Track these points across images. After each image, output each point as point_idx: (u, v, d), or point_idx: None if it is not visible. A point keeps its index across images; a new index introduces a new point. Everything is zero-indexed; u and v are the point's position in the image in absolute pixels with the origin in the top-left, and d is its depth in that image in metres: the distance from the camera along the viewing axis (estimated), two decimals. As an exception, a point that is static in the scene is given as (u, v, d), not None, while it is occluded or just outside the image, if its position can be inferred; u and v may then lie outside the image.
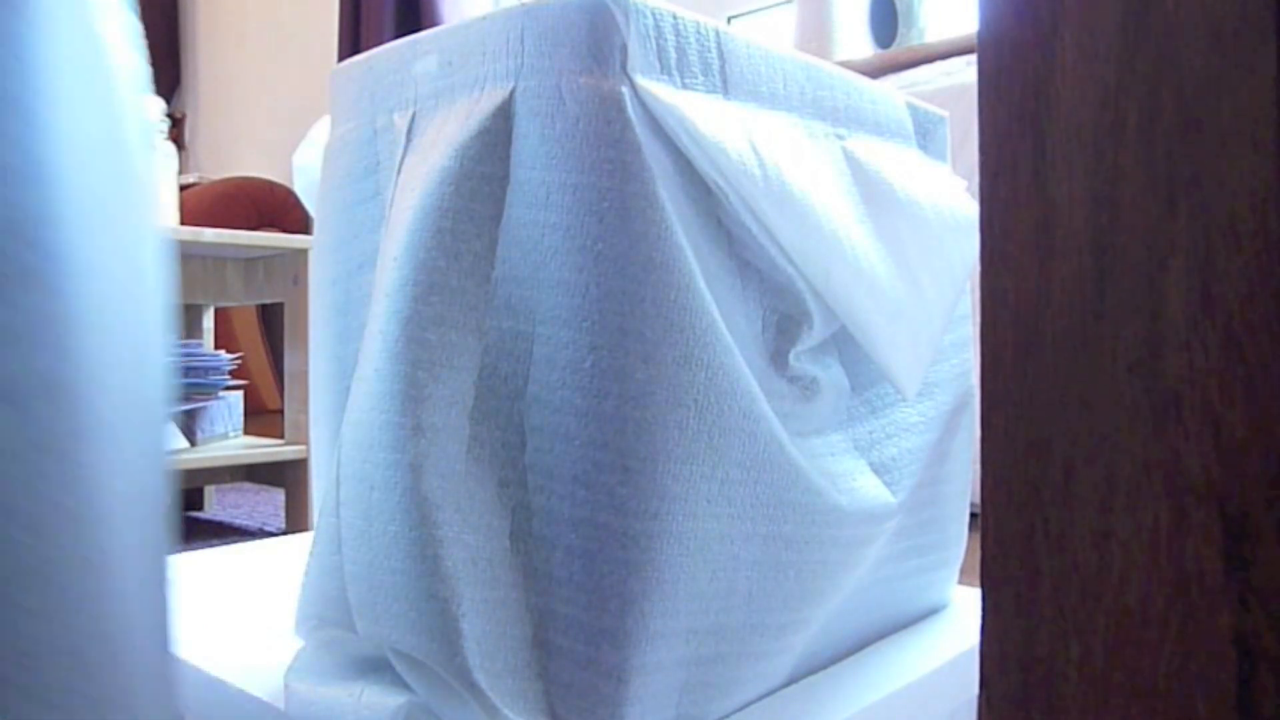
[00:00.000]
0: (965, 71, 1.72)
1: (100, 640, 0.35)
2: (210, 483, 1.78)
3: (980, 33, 0.29)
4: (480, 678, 0.44)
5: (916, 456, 0.61)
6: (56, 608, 0.33)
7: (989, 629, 0.28)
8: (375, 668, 0.49)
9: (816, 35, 2.34)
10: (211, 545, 1.27)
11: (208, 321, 1.82)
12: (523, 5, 0.47)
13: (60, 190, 0.29)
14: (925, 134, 0.66)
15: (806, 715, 0.52)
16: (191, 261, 1.64)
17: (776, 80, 0.53)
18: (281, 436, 1.66)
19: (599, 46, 0.45)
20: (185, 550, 0.99)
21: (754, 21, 2.74)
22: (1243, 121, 0.24)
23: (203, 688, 0.53)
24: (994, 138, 0.28)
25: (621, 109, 0.44)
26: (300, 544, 0.88)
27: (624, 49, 0.45)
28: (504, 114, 0.47)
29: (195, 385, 1.56)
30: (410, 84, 0.53)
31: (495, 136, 0.47)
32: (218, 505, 1.85)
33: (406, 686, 0.47)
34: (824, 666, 0.58)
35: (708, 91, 0.49)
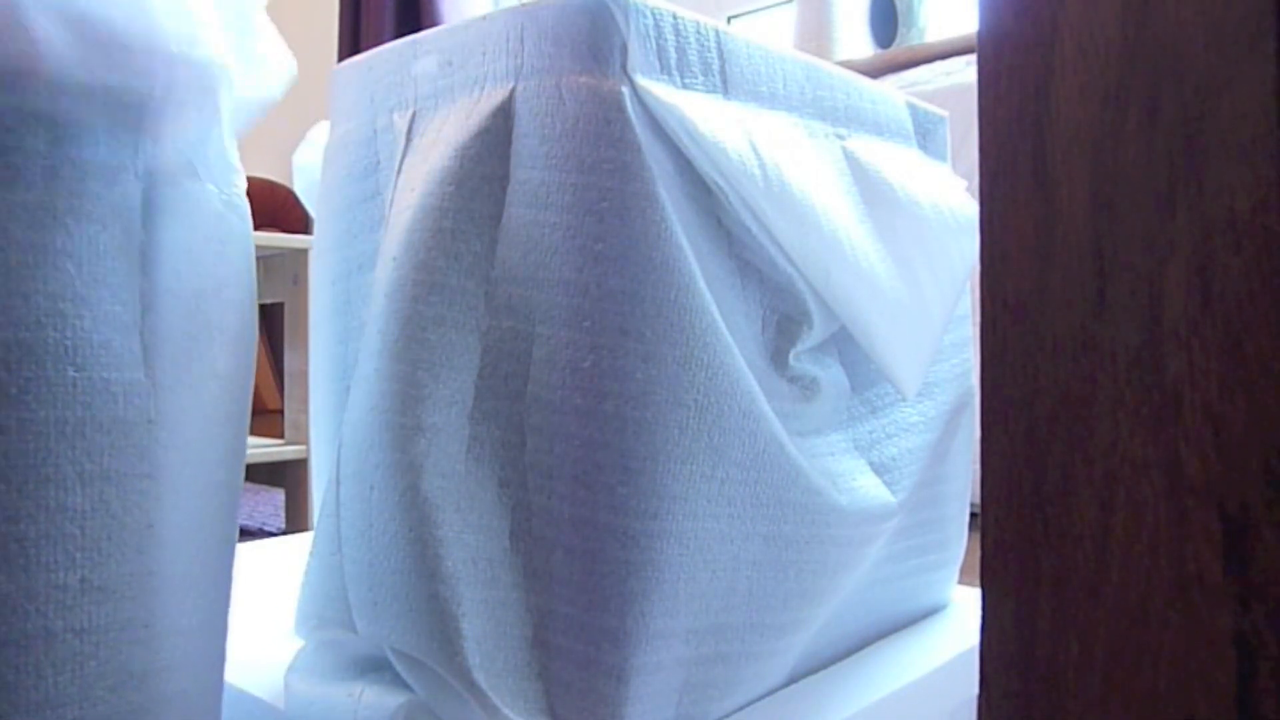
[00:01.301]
0: (965, 71, 1.72)
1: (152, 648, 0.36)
2: (210, 483, 1.77)
3: (980, 33, 0.29)
4: (480, 678, 0.44)
5: (916, 456, 0.61)
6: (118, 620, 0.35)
7: (989, 629, 0.28)
8: (375, 668, 0.49)
9: (816, 35, 2.34)
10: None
11: (208, 321, 1.82)
12: (523, 5, 0.47)
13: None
14: (925, 134, 0.66)
15: (806, 715, 0.52)
16: (191, 261, 1.63)
17: (776, 80, 0.53)
18: (281, 436, 1.66)
19: (599, 46, 0.45)
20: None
21: (754, 21, 2.74)
22: (1243, 121, 0.24)
23: (203, 688, 0.53)
24: (994, 138, 0.28)
25: (621, 109, 0.44)
26: (300, 544, 0.88)
27: (624, 49, 0.45)
28: (504, 114, 0.47)
29: (195, 385, 1.55)
30: (410, 84, 0.53)
31: (495, 136, 0.47)
32: (218, 505, 1.85)
33: (406, 686, 0.47)
34: (824, 666, 0.58)
35: (708, 91, 0.49)
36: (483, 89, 0.49)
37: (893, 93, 0.63)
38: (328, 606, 0.51)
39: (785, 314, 0.53)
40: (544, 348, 0.45)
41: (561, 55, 0.46)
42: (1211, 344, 0.24)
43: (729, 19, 2.72)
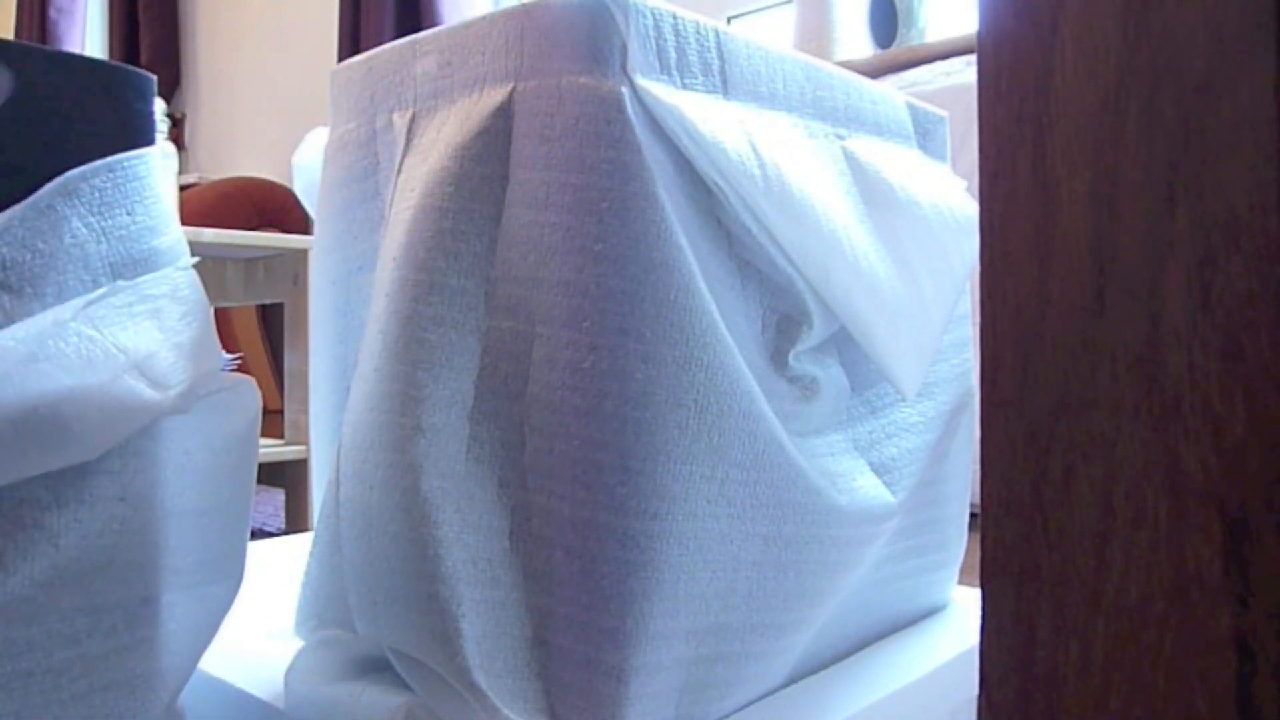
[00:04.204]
0: (965, 71, 1.72)
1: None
2: (210, 483, 1.77)
3: (980, 33, 0.29)
4: (480, 678, 0.44)
5: (916, 456, 0.61)
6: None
7: (989, 629, 0.28)
8: (375, 668, 0.49)
9: (816, 35, 2.34)
10: (211, 545, 1.26)
11: (208, 321, 1.82)
12: (523, 5, 0.47)
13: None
14: (925, 134, 0.66)
15: (806, 715, 0.52)
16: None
17: (776, 80, 0.53)
18: (281, 436, 1.66)
19: (599, 46, 0.45)
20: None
21: (754, 21, 2.74)
22: (1243, 121, 0.24)
23: (203, 687, 0.53)
24: (994, 138, 0.28)
25: (621, 109, 0.44)
26: (300, 544, 0.88)
27: (624, 49, 0.45)
28: (503, 114, 0.47)
29: (195, 385, 1.56)
30: (410, 84, 0.53)
31: (495, 136, 0.47)
32: (218, 505, 1.85)
33: (406, 686, 0.47)
34: (824, 666, 0.58)
35: (708, 91, 0.49)
36: (482, 89, 0.49)
37: (893, 93, 0.63)
38: (328, 606, 0.50)
39: (785, 314, 0.53)
40: (544, 348, 0.45)
41: (561, 55, 0.46)
42: (1211, 344, 0.24)
43: (729, 19, 2.72)
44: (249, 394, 0.43)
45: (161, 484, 0.37)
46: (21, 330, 0.32)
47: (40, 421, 0.31)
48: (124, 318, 0.36)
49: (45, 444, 0.32)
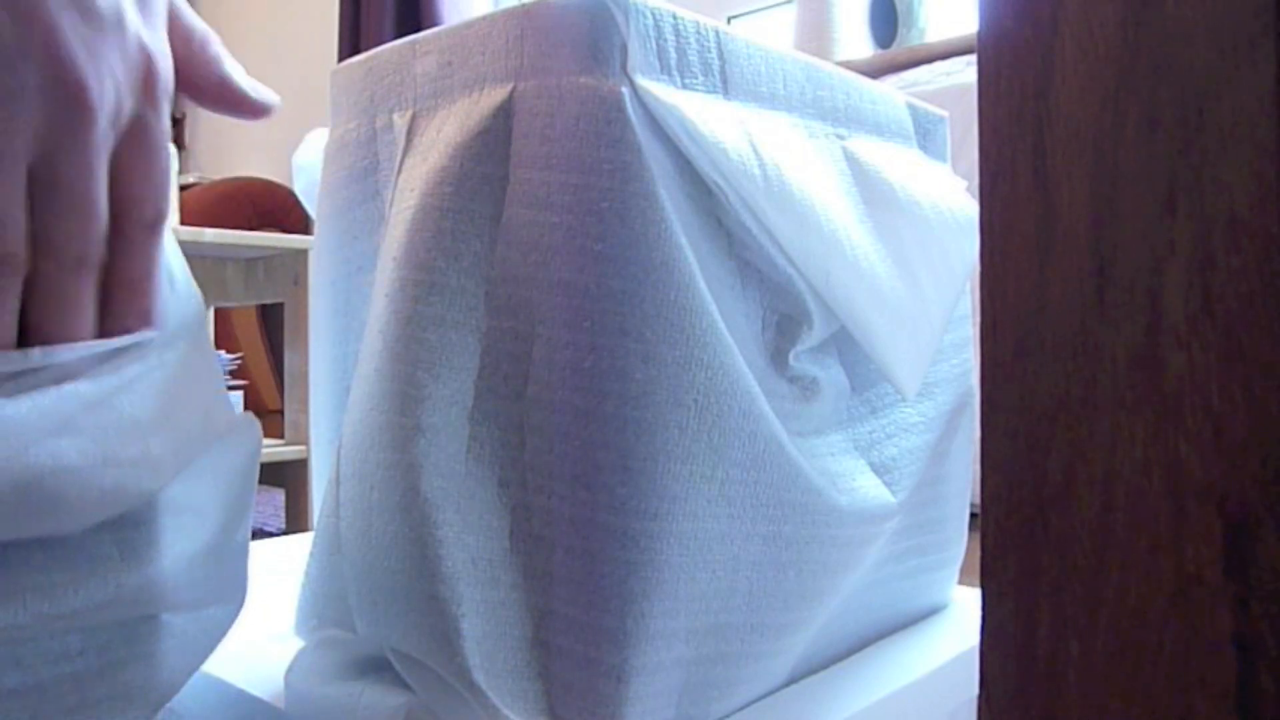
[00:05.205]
0: (965, 71, 1.72)
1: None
2: (210, 483, 1.78)
3: (980, 33, 0.29)
4: (480, 678, 0.44)
5: (916, 456, 0.61)
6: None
7: (989, 629, 0.28)
8: (375, 668, 0.49)
9: (816, 35, 2.34)
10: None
11: (208, 322, 1.83)
12: (523, 5, 0.47)
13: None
14: (925, 134, 0.66)
15: (806, 715, 0.52)
16: (191, 262, 1.64)
17: (776, 80, 0.53)
18: (281, 436, 1.66)
19: (599, 47, 0.45)
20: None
21: (754, 21, 2.74)
22: (1243, 121, 0.24)
23: (202, 687, 0.53)
24: (994, 138, 0.28)
25: (621, 109, 0.44)
26: (300, 544, 0.88)
27: (624, 49, 0.45)
28: (504, 114, 0.47)
29: (195, 385, 1.56)
30: (410, 84, 0.53)
31: (495, 136, 0.47)
32: (218, 505, 1.85)
33: (406, 686, 0.47)
34: (824, 666, 0.58)
35: (708, 91, 0.49)
36: (482, 89, 0.49)
37: (893, 93, 0.63)
38: (328, 606, 0.51)
39: (785, 314, 0.53)
40: (544, 348, 0.45)
41: (561, 55, 0.46)
42: (1211, 344, 0.24)
43: (729, 19, 2.72)
44: (251, 431, 0.43)
45: (159, 527, 0.37)
46: (48, 402, 0.33)
47: (43, 498, 0.32)
48: (140, 398, 0.36)
49: (40, 518, 0.33)
